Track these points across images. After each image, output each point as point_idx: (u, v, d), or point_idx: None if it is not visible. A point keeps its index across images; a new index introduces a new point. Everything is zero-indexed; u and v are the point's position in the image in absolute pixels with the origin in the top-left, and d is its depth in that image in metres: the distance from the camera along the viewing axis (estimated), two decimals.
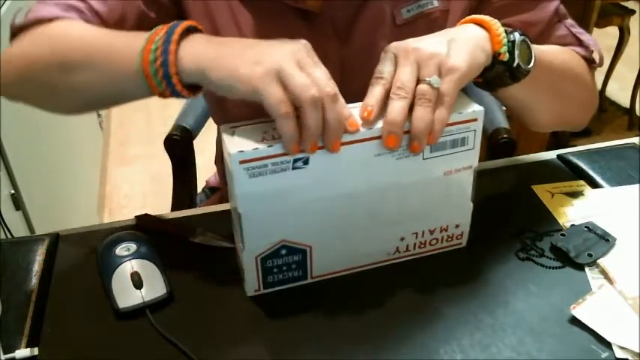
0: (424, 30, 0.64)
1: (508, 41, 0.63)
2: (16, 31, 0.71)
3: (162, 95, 0.61)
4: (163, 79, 0.59)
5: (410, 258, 0.70)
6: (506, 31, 0.63)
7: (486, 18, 0.64)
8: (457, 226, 0.70)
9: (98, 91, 0.66)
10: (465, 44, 0.61)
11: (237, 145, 0.57)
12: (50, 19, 0.69)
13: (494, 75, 0.64)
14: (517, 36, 0.63)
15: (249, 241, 0.63)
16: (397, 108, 0.57)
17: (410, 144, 0.59)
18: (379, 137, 0.59)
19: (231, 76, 0.56)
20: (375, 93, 0.59)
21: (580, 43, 0.79)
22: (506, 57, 0.63)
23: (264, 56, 0.56)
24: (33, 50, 0.68)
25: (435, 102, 0.58)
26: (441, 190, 0.66)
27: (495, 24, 0.64)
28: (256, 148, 0.56)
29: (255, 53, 0.56)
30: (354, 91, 0.60)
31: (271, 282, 0.67)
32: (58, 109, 0.73)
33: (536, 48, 0.67)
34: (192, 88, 0.61)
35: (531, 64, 0.65)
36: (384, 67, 0.60)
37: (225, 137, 0.58)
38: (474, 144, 0.64)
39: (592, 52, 0.79)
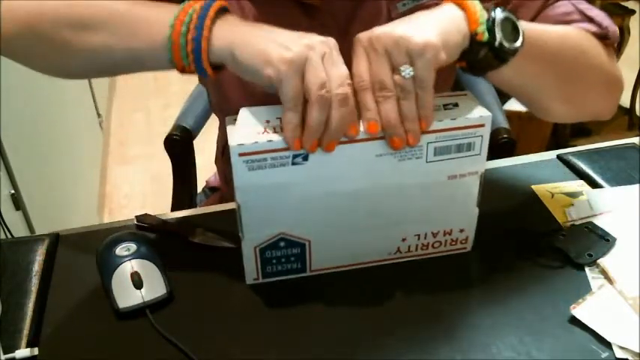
0: None
1: (488, 19, 0.60)
2: None
3: (182, 70, 0.61)
4: (192, 52, 0.59)
5: (412, 259, 0.70)
6: (487, 9, 0.60)
7: None
8: (461, 230, 0.69)
9: (113, 55, 0.64)
10: (434, 20, 0.59)
11: (238, 137, 0.58)
12: None
13: (477, 57, 0.61)
14: (498, 13, 0.60)
15: (248, 231, 0.64)
16: (388, 110, 0.57)
17: (407, 138, 0.59)
18: (380, 138, 0.59)
19: (260, 57, 0.56)
20: (368, 104, 0.58)
21: (589, 20, 0.73)
22: (484, 37, 0.59)
23: (294, 43, 0.56)
24: (43, 1, 0.64)
25: (414, 90, 0.57)
26: (445, 194, 0.65)
27: (473, 3, 0.61)
28: (256, 142, 0.57)
29: (287, 39, 0.57)
30: None
31: (270, 272, 0.67)
32: (63, 71, 0.70)
33: (526, 26, 0.63)
34: (214, 68, 0.61)
35: (518, 43, 0.61)
36: (360, 68, 0.58)
37: (229, 128, 0.59)
38: (480, 150, 0.63)
39: (605, 28, 0.72)
